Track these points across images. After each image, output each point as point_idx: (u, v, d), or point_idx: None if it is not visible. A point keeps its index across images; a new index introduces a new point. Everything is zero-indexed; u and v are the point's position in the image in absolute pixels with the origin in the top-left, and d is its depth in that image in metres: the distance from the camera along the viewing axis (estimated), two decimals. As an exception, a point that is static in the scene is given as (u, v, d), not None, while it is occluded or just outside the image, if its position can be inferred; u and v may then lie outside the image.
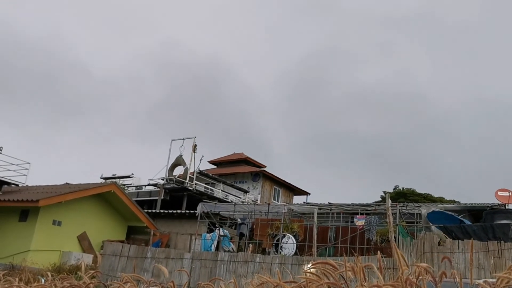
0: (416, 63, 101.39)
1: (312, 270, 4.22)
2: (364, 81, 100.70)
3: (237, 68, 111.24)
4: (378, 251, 4.60)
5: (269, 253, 17.84)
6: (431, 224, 15.38)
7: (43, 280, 9.98)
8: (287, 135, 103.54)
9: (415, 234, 14.88)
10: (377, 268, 3.88)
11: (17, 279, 8.72)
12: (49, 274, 8.48)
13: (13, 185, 23.02)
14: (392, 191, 46.56)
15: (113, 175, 36.99)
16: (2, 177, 22.15)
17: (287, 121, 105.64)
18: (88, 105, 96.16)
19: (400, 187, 48.42)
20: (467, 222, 15.69)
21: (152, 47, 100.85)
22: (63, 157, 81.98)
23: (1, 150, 22.27)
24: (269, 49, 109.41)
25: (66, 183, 25.61)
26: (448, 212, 16.44)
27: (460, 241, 12.60)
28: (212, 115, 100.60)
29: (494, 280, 3.29)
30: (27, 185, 23.57)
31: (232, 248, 19.82)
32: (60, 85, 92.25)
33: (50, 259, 18.91)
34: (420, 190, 46.66)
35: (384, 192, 44.14)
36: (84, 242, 21.39)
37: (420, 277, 3.22)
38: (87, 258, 19.73)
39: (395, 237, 13.74)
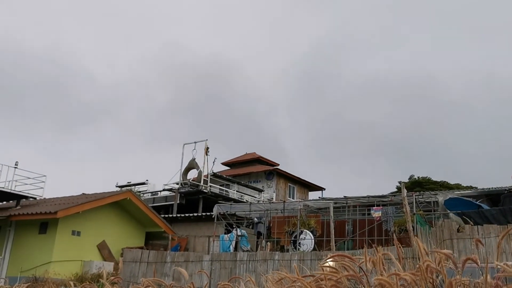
0: (428, 48, 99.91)
1: (329, 263, 4.22)
2: (373, 69, 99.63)
3: (242, 66, 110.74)
4: (396, 241, 4.57)
5: (287, 250, 17.84)
6: (448, 211, 15.25)
7: (66, 290, 10.11)
8: (297, 130, 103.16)
9: (433, 222, 14.78)
10: (396, 258, 3.88)
11: (40, 291, 8.85)
12: (71, 283, 8.61)
13: (31, 199, 23.32)
14: (408, 180, 46.23)
15: (128, 182, 37.29)
16: (20, 191, 22.44)
17: (297, 117, 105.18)
18: (95, 112, 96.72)
19: (416, 177, 48.08)
20: (485, 207, 15.53)
21: (155, 51, 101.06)
22: (75, 167, 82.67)
23: (17, 165, 22.56)
24: (272, 43, 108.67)
25: (83, 193, 25.86)
26: (465, 198, 16.31)
27: (479, 226, 12.47)
28: (221, 115, 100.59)
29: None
30: (44, 198, 23.85)
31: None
32: (66, 93, 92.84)
33: (72, 269, 19.14)
34: (436, 178, 46.32)
35: (400, 182, 43.85)
36: (104, 250, 21.59)
37: (440, 263, 3.20)
38: (108, 266, 19.92)
39: (413, 226, 13.66)
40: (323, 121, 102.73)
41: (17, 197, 22.69)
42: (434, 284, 3.06)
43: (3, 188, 21.82)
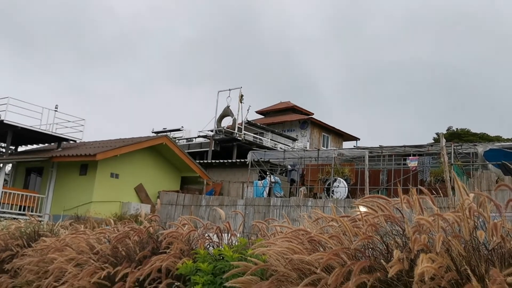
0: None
1: (363, 206, 4.17)
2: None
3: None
4: (431, 189, 4.47)
5: (320, 198, 17.95)
6: (488, 163, 14.87)
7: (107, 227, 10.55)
8: (333, 72, 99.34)
9: (471, 173, 14.47)
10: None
11: (82, 226, 9.26)
12: (111, 221, 8.95)
13: (71, 141, 24.11)
14: (446, 132, 45.10)
15: (164, 128, 37.96)
16: (61, 134, 23.20)
17: (333, 56, 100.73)
18: (116, 48, 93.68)
19: (454, 128, 46.85)
20: (528, 159, 15.03)
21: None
22: (100, 108, 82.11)
23: (57, 109, 23.20)
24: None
25: (120, 138, 26.49)
26: (506, 150, 15.81)
27: (520, 178, 12.13)
28: (252, 54, 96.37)
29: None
30: (83, 141, 24.60)
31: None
32: (85, 29, 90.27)
33: (111, 210, 19.91)
34: (475, 130, 45.03)
35: (437, 133, 42.87)
36: (141, 193, 22.31)
37: (482, 205, 3.10)
38: (146, 208, 20.62)
39: (450, 177, 13.40)
40: (359, 62, 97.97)
41: (58, 140, 23.50)
42: (477, 225, 2.97)
43: (45, 130, 22.59)
